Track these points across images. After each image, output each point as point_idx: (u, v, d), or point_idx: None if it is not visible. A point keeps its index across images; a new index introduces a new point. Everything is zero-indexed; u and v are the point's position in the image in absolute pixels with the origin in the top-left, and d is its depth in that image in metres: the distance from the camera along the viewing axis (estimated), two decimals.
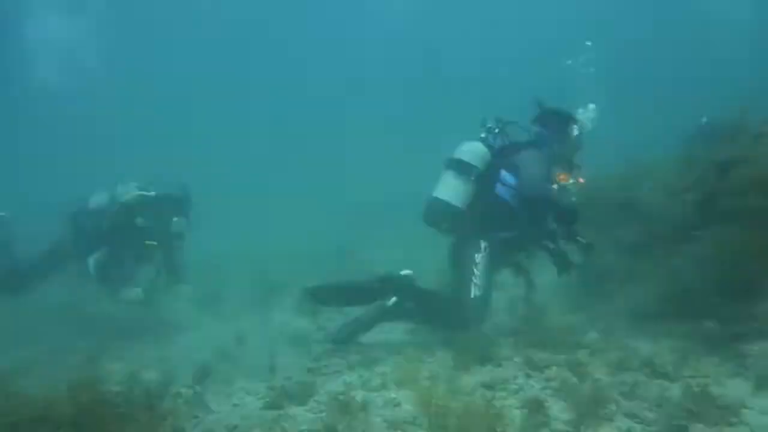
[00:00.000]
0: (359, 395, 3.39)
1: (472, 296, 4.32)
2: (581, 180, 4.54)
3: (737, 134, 4.21)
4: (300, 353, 4.65)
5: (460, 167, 4.47)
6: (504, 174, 4.46)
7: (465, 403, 2.88)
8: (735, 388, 2.90)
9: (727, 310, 3.61)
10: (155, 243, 6.21)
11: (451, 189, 4.46)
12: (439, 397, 3.11)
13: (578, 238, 4.49)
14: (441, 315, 4.43)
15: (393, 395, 3.37)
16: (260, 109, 31.10)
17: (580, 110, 4.90)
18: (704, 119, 6.77)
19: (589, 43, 6.26)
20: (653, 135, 8.19)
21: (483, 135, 4.64)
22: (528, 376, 3.49)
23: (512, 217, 4.47)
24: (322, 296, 4.90)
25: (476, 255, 4.40)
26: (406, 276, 4.61)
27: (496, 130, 4.61)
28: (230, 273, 8.95)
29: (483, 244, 4.44)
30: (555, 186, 4.48)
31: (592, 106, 5.03)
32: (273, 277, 8.16)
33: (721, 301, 3.68)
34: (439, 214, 4.52)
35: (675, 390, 2.92)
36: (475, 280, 4.35)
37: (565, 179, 4.50)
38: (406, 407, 3.10)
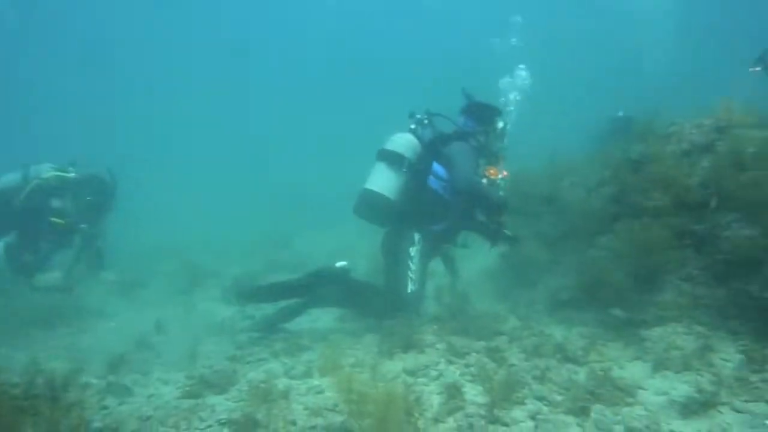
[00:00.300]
0: (282, 383, 3.38)
1: (409, 291, 4.37)
2: (505, 173, 4.66)
3: (647, 134, 4.46)
4: (223, 342, 4.56)
5: (392, 158, 4.48)
6: (436, 167, 4.51)
7: (385, 389, 2.94)
8: (634, 371, 3.11)
9: (633, 298, 3.85)
10: (62, 221, 5.84)
11: (382, 180, 4.46)
12: (360, 383, 3.16)
13: (505, 231, 4.64)
14: (377, 308, 4.44)
15: (316, 382, 3.38)
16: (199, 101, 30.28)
17: (508, 79, 5.00)
18: (620, 113, 7.11)
19: (518, 18, 6.29)
20: (574, 126, 8.51)
21: (413, 126, 4.66)
22: (449, 362, 3.59)
23: (445, 209, 4.53)
24: (256, 297, 4.84)
25: (411, 248, 4.44)
26: (341, 268, 4.62)
27: (425, 122, 4.65)
28: (158, 261, 8.64)
29: (417, 237, 4.50)
30: (484, 180, 4.59)
31: (521, 66, 5.10)
32: (203, 265, 7.96)
33: (628, 290, 3.92)
34: (370, 206, 4.51)
35: (582, 374, 3.09)
36: (411, 275, 4.40)
37: (494, 174, 4.61)
38: (328, 394, 3.12)
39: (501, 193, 4.64)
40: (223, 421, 2.86)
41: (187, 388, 3.31)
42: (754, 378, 2.60)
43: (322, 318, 5.10)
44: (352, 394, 2.79)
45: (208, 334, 4.83)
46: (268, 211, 13.06)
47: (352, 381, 2.91)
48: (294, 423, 2.81)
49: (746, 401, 2.46)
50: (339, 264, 4.63)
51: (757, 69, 4.39)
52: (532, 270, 5.06)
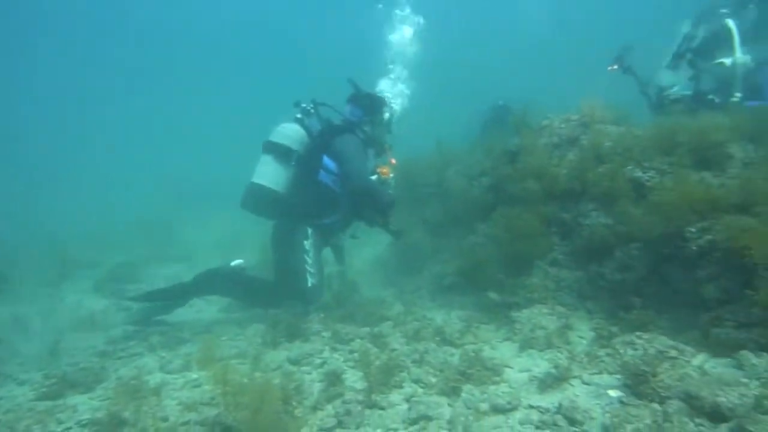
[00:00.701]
0: (156, 378, 3.22)
1: (310, 285, 4.31)
2: (393, 161, 4.74)
3: (522, 126, 4.74)
4: (93, 337, 4.24)
5: (279, 151, 4.35)
6: (326, 160, 4.43)
7: (264, 379, 2.90)
8: (504, 351, 3.32)
9: (507, 282, 4.10)
10: None
11: (270, 173, 4.32)
12: (239, 375, 3.09)
13: (390, 226, 4.70)
14: (275, 303, 4.34)
15: (194, 376, 3.26)
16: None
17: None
18: (501, 102, 7.42)
19: (380, 6, 6.29)
20: (462, 111, 8.73)
21: (298, 116, 4.54)
22: (333, 349, 3.61)
23: (336, 202, 4.49)
24: (148, 299, 4.53)
25: (305, 242, 4.37)
26: (236, 267, 4.48)
27: (311, 111, 4.57)
28: (28, 252, 7.81)
29: (309, 230, 4.45)
30: (375, 177, 4.64)
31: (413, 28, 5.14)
32: (77, 256, 7.32)
33: (503, 275, 4.17)
34: (258, 199, 4.35)
35: (457, 356, 3.23)
36: (309, 269, 4.34)
37: (386, 173, 4.66)
38: (206, 388, 3.00)
39: (390, 191, 4.69)
40: (84, 422, 2.66)
41: (45, 389, 3.04)
42: (601, 353, 2.87)
43: (206, 309, 4.91)
44: (228, 387, 2.72)
45: (76, 329, 4.45)
46: (161, 200, 12.44)
47: (229, 373, 2.84)
48: (165, 419, 2.69)
49: (593, 374, 2.71)
50: (234, 263, 4.49)
51: (615, 68, 4.81)
52: (418, 257, 5.22)
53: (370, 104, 4.68)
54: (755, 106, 4.14)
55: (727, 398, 2.01)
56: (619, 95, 4.78)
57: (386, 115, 4.74)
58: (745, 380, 2.15)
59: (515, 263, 4.20)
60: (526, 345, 3.29)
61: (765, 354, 2.31)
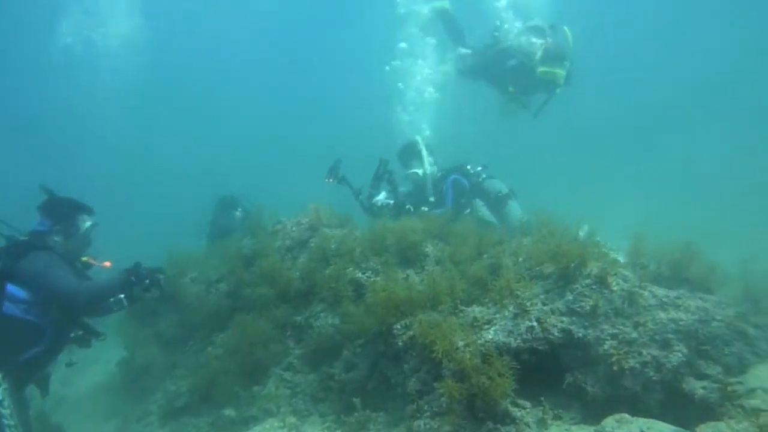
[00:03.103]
0: None
1: None
2: (107, 264, 4.16)
3: (257, 229, 4.78)
4: None
5: None
6: (11, 289, 3.62)
7: None
8: None
9: (242, 395, 3.88)
10: None
11: None
12: None
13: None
14: None
15: None
16: None
17: None
18: (229, 194, 7.41)
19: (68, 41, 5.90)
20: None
21: None
22: None
23: (34, 333, 3.69)
24: None
25: None
26: None
27: None
28: None
29: None
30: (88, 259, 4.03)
31: None
32: None
33: (240, 386, 3.95)
34: None
35: None
36: (6, 422, 3.43)
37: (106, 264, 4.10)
38: None
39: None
40: None
41: None
42: None
43: None
44: None
45: None
46: None
47: None
48: None
49: None
50: None
51: (331, 180, 5.28)
52: (150, 377, 4.65)
53: (61, 211, 4.04)
54: (440, 213, 4.90)
55: None
56: (340, 200, 5.21)
57: (86, 224, 4.12)
58: None
59: (252, 372, 4.03)
60: None
61: None
